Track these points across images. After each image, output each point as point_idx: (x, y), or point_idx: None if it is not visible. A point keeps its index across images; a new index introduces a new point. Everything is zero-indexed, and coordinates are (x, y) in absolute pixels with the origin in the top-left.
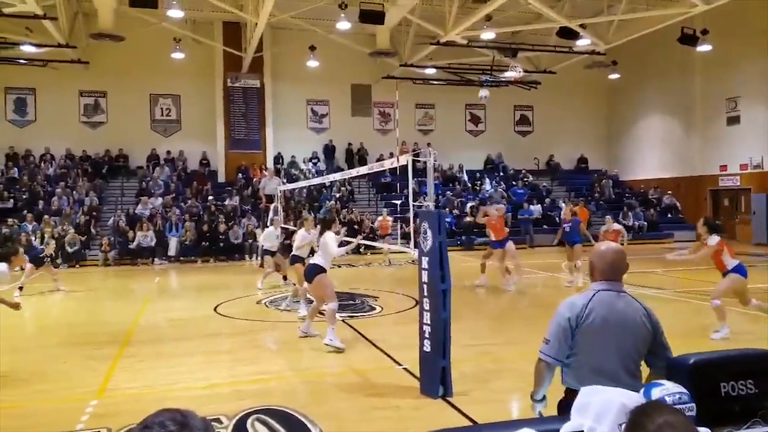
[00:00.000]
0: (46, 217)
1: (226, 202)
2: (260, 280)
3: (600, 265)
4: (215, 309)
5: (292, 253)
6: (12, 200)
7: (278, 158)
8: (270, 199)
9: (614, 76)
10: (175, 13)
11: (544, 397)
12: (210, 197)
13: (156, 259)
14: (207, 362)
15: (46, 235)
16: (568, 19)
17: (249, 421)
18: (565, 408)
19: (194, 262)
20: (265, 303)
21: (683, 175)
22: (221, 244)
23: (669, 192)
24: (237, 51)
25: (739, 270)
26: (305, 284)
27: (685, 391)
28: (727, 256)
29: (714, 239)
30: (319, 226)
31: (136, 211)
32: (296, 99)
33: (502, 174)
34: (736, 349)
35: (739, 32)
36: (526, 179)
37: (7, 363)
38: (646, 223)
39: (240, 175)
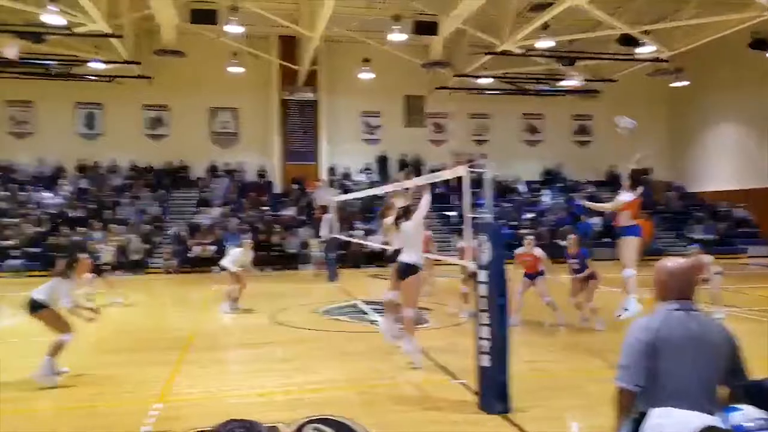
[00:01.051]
0: (112, 226)
1: (282, 213)
2: (227, 303)
3: (670, 283)
4: (272, 317)
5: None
6: (81, 210)
7: (332, 170)
8: (324, 209)
9: (680, 83)
10: (234, 29)
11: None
12: (266, 208)
13: (215, 268)
14: (264, 370)
15: (111, 244)
16: (629, 26)
17: (306, 430)
18: (635, 431)
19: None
20: (321, 312)
21: (756, 186)
22: (277, 254)
23: (741, 204)
24: (293, 65)
25: (633, 231)
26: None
27: (766, 416)
28: (626, 214)
29: (628, 195)
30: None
31: (196, 221)
32: (350, 111)
33: (561, 185)
34: None
35: None
36: (586, 191)
37: (77, 366)
38: (716, 237)
39: (295, 186)
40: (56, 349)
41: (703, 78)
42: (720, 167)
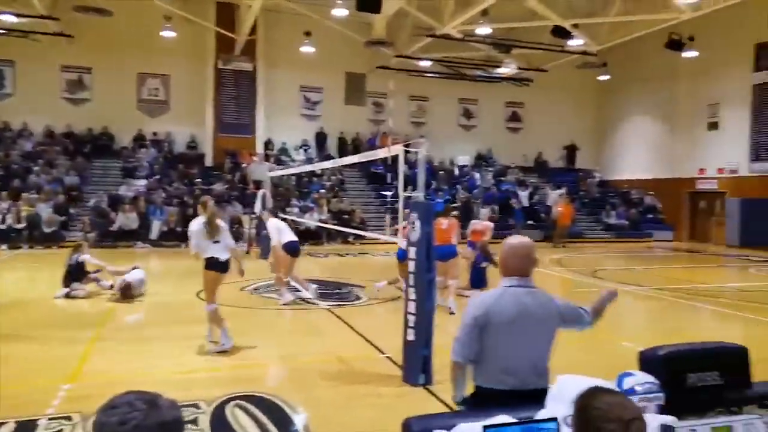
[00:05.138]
0: (24, 194)
1: (214, 187)
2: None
3: (511, 260)
4: (198, 294)
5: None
6: None
7: (268, 144)
8: (258, 185)
9: (603, 77)
10: None
11: (464, 399)
12: (197, 180)
13: (138, 243)
14: (187, 347)
15: (23, 213)
16: (562, 18)
17: (228, 407)
18: (478, 406)
19: (178, 246)
20: (248, 290)
21: (664, 176)
22: None
23: (651, 192)
24: (230, 33)
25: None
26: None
27: (655, 381)
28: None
29: None
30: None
31: (119, 193)
32: (289, 85)
33: (491, 169)
34: (703, 342)
35: (724, 41)
36: (515, 175)
37: None
38: (627, 222)
39: (228, 159)
40: None
41: (624, 73)
42: (634, 157)
